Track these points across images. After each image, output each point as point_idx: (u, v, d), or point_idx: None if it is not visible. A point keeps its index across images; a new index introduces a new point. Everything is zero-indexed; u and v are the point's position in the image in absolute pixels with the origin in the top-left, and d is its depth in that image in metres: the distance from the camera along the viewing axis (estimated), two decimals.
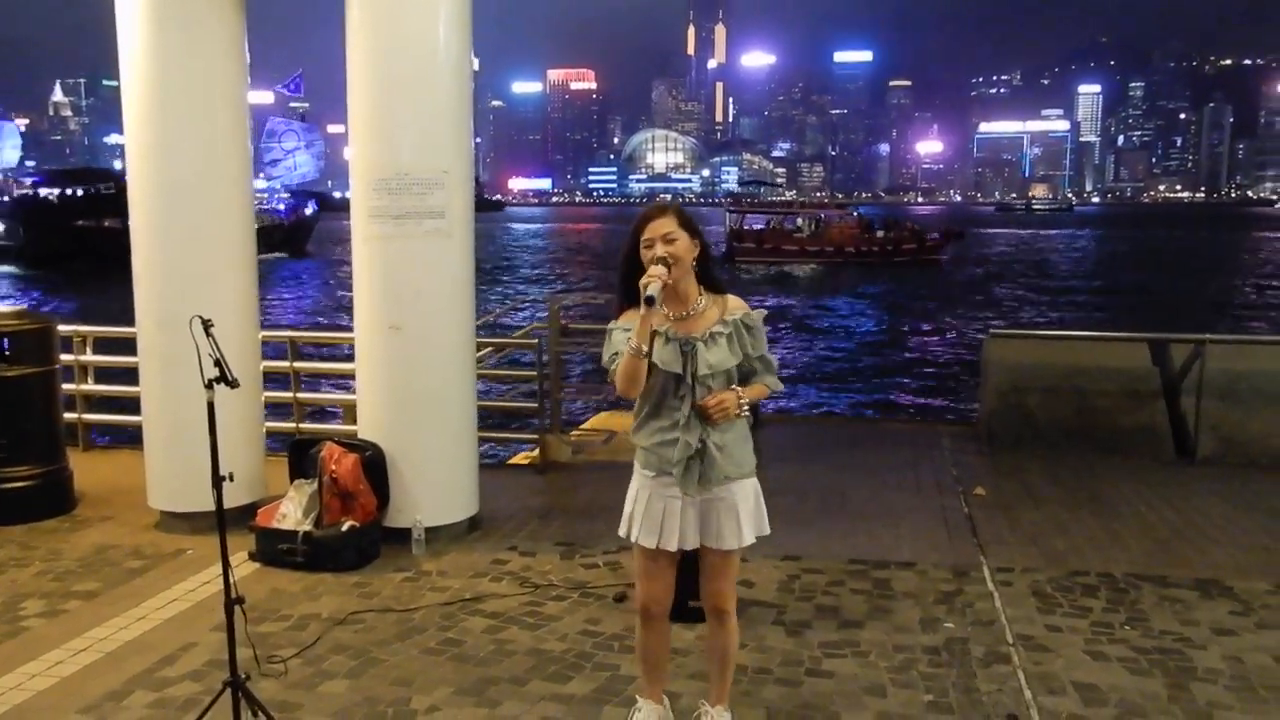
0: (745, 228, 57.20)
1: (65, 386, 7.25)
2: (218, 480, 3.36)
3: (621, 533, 3.40)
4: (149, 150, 5.77)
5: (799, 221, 56.83)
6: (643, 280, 3.09)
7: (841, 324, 31.52)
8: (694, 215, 3.35)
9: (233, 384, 3.33)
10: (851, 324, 31.82)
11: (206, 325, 3.34)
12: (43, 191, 56.06)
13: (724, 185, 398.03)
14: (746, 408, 3.25)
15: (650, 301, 3.04)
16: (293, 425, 7.93)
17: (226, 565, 3.40)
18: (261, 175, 67.17)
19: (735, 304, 3.32)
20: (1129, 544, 5.82)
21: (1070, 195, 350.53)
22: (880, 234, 54.81)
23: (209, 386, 3.33)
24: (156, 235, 5.83)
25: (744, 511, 3.30)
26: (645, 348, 3.10)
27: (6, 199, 56.41)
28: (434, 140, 5.55)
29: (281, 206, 66.96)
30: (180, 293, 5.74)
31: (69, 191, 54.77)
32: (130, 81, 5.72)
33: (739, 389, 3.24)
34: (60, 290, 40.97)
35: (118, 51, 5.73)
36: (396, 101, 5.49)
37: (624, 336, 3.16)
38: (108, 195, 52.24)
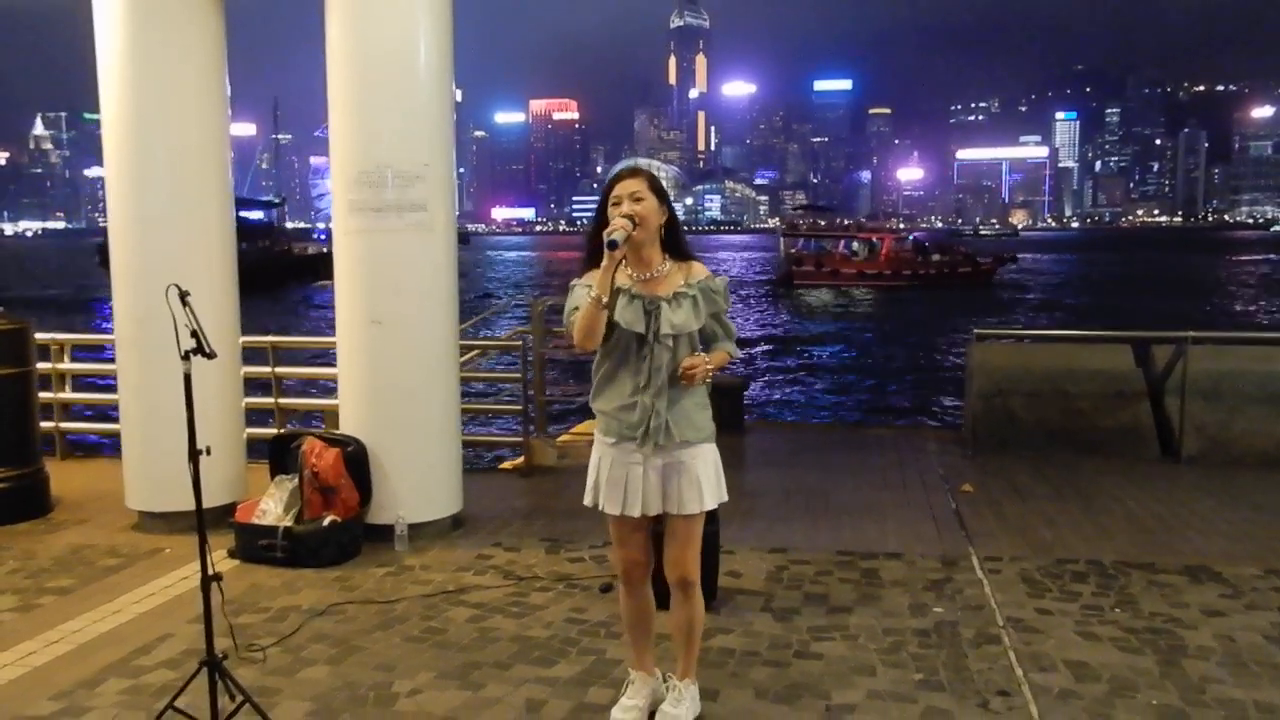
0: (804, 251, 57.45)
1: (42, 395, 7.16)
2: (194, 454, 3.28)
3: (587, 501, 3.40)
4: (129, 162, 5.75)
5: (854, 245, 57.06)
6: (607, 229, 3.10)
7: (879, 340, 31.59)
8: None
9: (210, 355, 3.27)
10: (876, 339, 32.00)
11: (183, 295, 3.28)
12: None
13: (707, 213, 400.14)
14: (711, 375, 3.26)
15: (613, 245, 3.05)
16: (274, 431, 7.82)
17: (203, 541, 3.33)
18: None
19: (699, 270, 3.33)
20: (1116, 535, 5.79)
21: (1013, 222, 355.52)
22: (936, 258, 55.29)
23: (185, 358, 3.27)
24: (135, 238, 5.77)
25: (704, 476, 3.30)
26: (606, 298, 3.10)
27: None
28: (414, 132, 5.51)
29: (323, 237, 70.20)
30: (159, 293, 5.66)
31: None
32: (110, 105, 5.71)
33: (705, 355, 3.25)
34: None
35: (98, 85, 5.72)
36: (376, 91, 5.45)
37: (585, 291, 3.17)
38: (238, 222, 55.38)
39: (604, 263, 3.09)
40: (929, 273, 53.39)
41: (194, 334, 3.28)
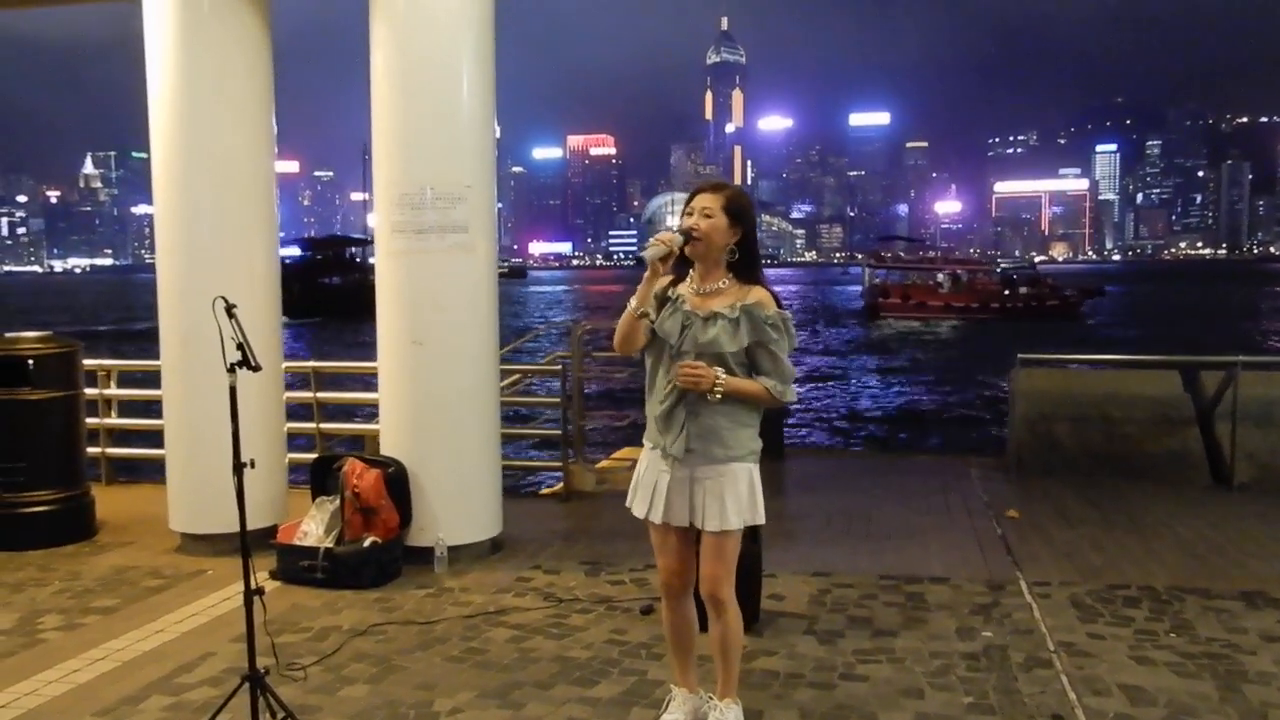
0: (890, 283, 57.34)
1: (89, 420, 7.24)
2: (239, 466, 3.29)
3: (627, 502, 3.42)
4: (177, 197, 5.84)
5: (940, 277, 56.87)
6: (645, 243, 3.13)
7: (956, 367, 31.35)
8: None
9: (255, 368, 3.29)
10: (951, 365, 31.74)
11: (230, 308, 3.31)
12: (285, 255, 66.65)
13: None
14: (720, 392, 3.13)
15: (640, 262, 3.11)
16: (315, 457, 7.86)
17: (246, 553, 3.33)
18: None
19: (757, 295, 3.23)
20: (1167, 560, 5.66)
21: (1054, 255, 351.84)
22: (1023, 290, 54.98)
23: (231, 371, 3.29)
24: (182, 267, 5.86)
25: (730, 495, 3.22)
26: (642, 308, 3.16)
27: (284, 261, 65.76)
28: (456, 154, 5.56)
29: None
30: (205, 315, 5.73)
31: (315, 255, 65.12)
32: (160, 142, 5.83)
33: (720, 371, 3.15)
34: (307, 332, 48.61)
35: (147, 124, 5.84)
36: (419, 114, 5.51)
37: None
38: (338, 257, 62.31)
39: (646, 274, 3.14)
40: (1016, 305, 52.90)
41: (239, 347, 3.30)
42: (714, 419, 3.20)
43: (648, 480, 3.32)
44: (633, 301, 3.16)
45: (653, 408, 3.29)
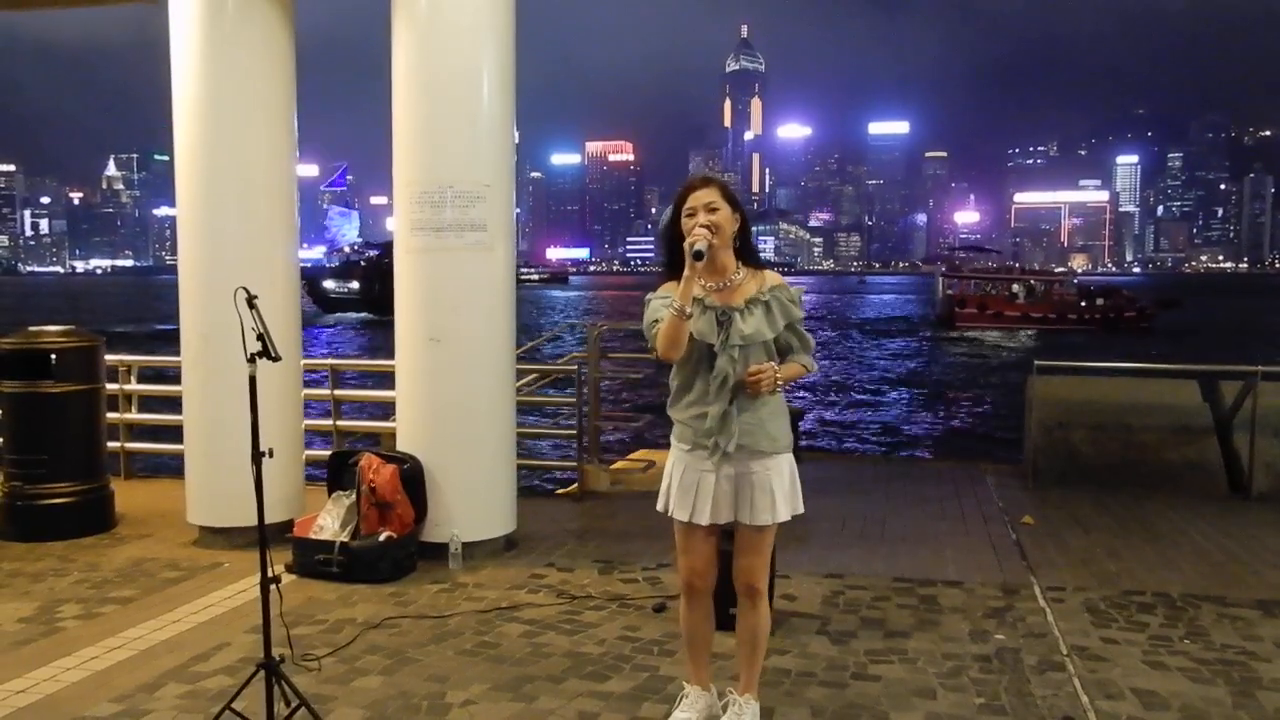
0: (968, 292, 57.32)
1: (110, 415, 7.30)
2: (257, 455, 3.33)
3: (659, 506, 3.38)
4: (200, 197, 5.90)
5: (1015, 288, 56.86)
6: (689, 239, 3.08)
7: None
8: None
9: (275, 358, 3.33)
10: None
11: (251, 299, 3.35)
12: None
13: (761, 255, 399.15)
14: (781, 385, 3.19)
15: (699, 256, 3.03)
16: (332, 451, 7.91)
17: (263, 542, 3.36)
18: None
19: (773, 278, 3.29)
20: (1184, 567, 5.63)
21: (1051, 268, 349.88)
22: (1099, 301, 54.84)
23: (251, 361, 3.32)
24: (204, 265, 5.91)
25: (778, 487, 3.24)
26: (689, 308, 3.07)
27: (360, 263, 71.89)
28: (476, 153, 5.60)
29: None
30: (226, 312, 5.79)
31: (385, 258, 67.75)
32: (184, 143, 5.87)
33: (776, 365, 3.19)
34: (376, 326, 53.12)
35: (170, 127, 5.89)
36: (440, 113, 5.55)
37: (662, 304, 3.16)
38: None
39: (685, 273, 3.06)
40: (1094, 316, 52.72)
41: (260, 337, 3.33)
42: (759, 412, 3.22)
43: (688, 482, 3.27)
44: (675, 304, 3.07)
45: (687, 408, 3.25)
